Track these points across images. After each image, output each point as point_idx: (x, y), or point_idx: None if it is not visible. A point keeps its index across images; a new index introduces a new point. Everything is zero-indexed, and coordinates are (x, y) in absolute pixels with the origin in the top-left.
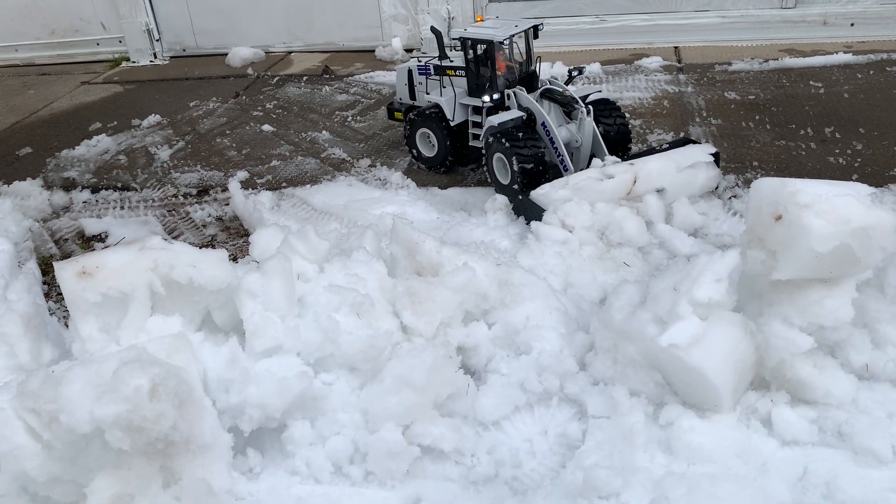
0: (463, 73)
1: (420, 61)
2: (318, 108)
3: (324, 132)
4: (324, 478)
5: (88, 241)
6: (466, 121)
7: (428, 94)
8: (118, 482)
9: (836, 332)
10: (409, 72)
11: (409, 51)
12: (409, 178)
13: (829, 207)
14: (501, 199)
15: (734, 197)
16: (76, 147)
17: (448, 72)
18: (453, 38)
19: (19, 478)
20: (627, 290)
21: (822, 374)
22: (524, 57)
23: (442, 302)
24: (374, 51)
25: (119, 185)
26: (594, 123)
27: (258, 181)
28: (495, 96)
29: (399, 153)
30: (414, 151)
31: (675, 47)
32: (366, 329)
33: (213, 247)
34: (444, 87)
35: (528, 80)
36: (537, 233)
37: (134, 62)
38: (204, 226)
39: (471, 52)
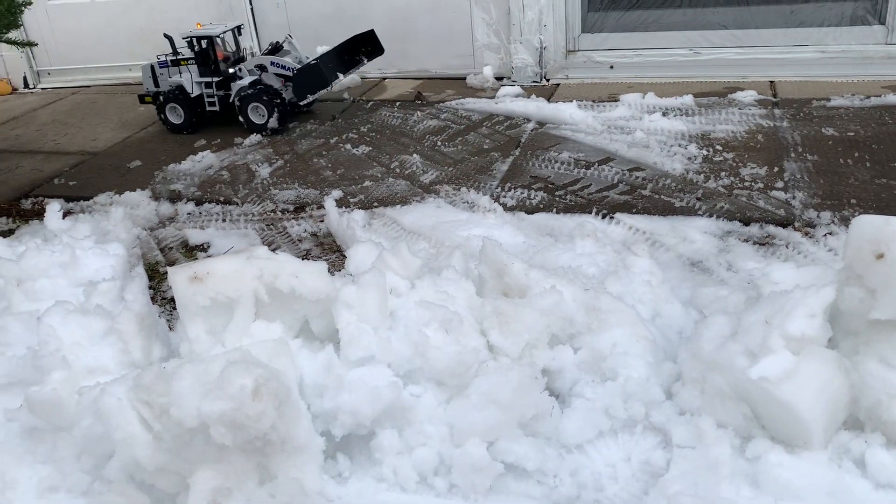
0: (194, 61)
1: (158, 58)
2: (410, 132)
3: (414, 155)
4: (409, 487)
5: (191, 251)
6: (202, 94)
7: (170, 78)
8: (218, 476)
9: None
10: (152, 67)
11: (499, 79)
12: (496, 203)
13: None
14: (590, 227)
15: (830, 234)
16: (182, 162)
17: (182, 62)
18: (183, 38)
19: (129, 465)
20: (718, 321)
21: None
22: (234, 48)
23: (529, 323)
24: (465, 78)
25: (221, 198)
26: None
27: (351, 200)
28: (231, 71)
29: (487, 177)
30: (166, 121)
31: (771, 81)
32: (454, 345)
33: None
34: (183, 74)
35: (238, 62)
36: (626, 262)
37: None
38: (300, 240)
39: (197, 45)
